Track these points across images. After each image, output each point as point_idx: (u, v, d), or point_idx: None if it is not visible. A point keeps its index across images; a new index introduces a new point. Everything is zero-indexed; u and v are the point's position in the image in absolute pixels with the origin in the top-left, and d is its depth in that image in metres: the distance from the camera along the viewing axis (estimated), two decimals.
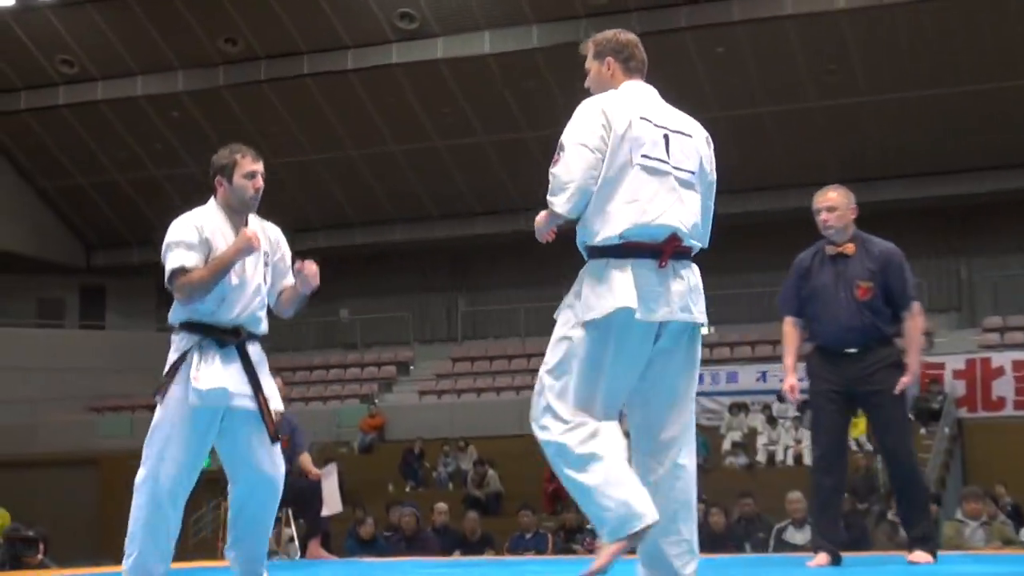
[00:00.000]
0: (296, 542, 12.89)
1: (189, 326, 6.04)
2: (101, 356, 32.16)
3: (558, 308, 5.22)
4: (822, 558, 7.40)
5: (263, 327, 6.23)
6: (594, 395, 5.03)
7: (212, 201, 6.24)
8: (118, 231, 33.73)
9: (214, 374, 5.95)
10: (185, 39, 28.31)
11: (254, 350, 6.14)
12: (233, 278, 6.03)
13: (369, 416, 27.92)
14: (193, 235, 6.01)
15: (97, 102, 30.08)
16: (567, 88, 27.07)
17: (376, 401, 29.04)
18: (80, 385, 31.15)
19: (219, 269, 5.95)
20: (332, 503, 11.69)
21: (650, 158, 5.10)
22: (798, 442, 23.10)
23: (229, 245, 6.00)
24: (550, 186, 5.12)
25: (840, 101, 26.91)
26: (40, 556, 13.75)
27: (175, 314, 6.10)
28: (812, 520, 7.88)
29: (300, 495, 11.31)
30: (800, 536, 14.35)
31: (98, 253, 34.68)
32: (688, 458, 5.17)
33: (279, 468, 6.34)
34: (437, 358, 31.83)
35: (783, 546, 14.27)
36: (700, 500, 15.98)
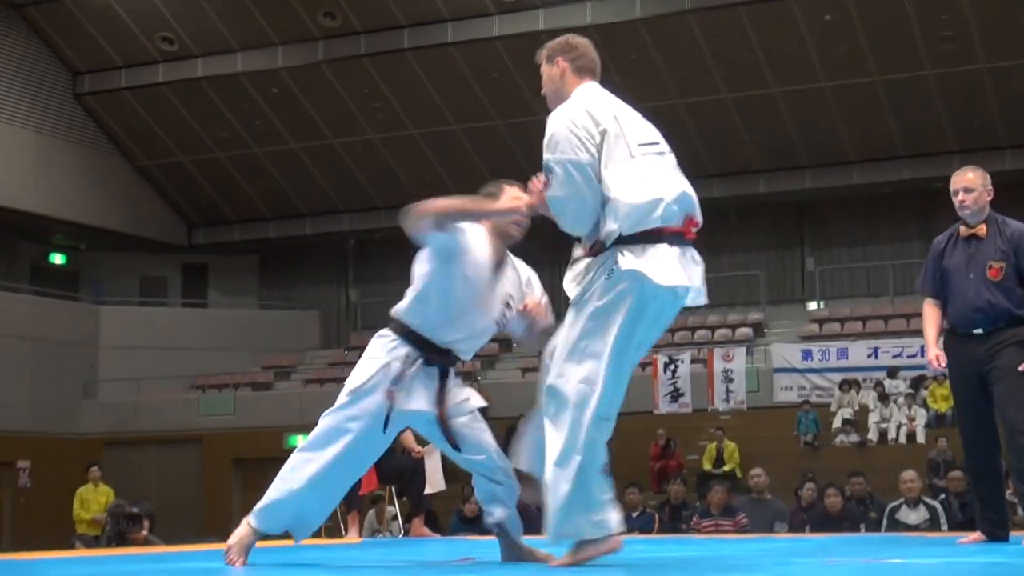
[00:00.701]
0: (399, 520, 12.98)
1: (406, 333, 5.93)
2: (203, 334, 32.57)
3: None
4: (974, 535, 7.59)
5: (471, 356, 6.17)
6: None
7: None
8: (219, 209, 34.10)
9: (413, 396, 5.87)
10: (284, 14, 28.47)
11: (453, 372, 6.06)
12: (472, 304, 5.89)
13: None
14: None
15: (197, 79, 30.37)
16: (670, 59, 26.95)
17: (479, 378, 29.10)
18: (183, 363, 31.56)
19: (470, 211, 5.81)
20: (435, 481, 11.73)
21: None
22: (911, 420, 22.83)
23: (495, 205, 5.87)
24: (553, 210, 5.39)
25: (957, 69, 26.43)
26: (145, 533, 13.96)
27: (403, 313, 5.99)
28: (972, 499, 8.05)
29: (403, 473, 11.36)
30: (914, 516, 14.18)
31: (199, 231, 35.08)
32: None
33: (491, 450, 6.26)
34: None
35: (896, 525, 14.11)
36: (811, 479, 15.95)
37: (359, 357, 6.06)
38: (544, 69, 5.73)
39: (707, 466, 22.12)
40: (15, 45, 30.49)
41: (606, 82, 5.71)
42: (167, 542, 13.60)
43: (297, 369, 32.46)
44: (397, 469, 11.30)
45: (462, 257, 5.81)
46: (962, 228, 7.65)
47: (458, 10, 27.66)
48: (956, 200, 7.60)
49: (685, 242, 5.22)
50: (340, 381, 6.24)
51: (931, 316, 7.79)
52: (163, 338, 32.04)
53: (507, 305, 6.05)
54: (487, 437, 6.22)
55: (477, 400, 6.25)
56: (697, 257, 5.29)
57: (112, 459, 26.93)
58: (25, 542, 22.35)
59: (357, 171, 31.85)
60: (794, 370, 25.30)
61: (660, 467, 22.21)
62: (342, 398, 5.86)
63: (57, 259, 34.53)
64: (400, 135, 30.33)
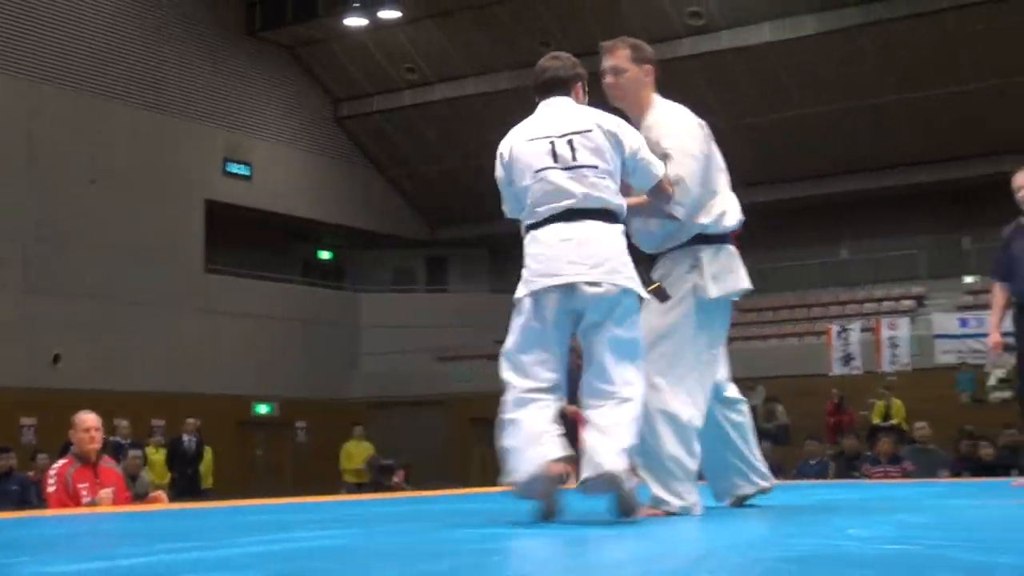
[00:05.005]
0: None
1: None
2: (445, 315, 33.07)
3: (661, 282, 5.06)
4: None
5: None
6: (701, 365, 5.18)
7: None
8: (457, 210, 34.50)
9: None
10: (507, 43, 28.64)
11: None
12: None
13: None
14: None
15: (436, 102, 30.85)
16: (839, 69, 26.27)
17: None
18: (429, 339, 32.07)
19: None
20: None
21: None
22: None
23: None
24: (677, 190, 4.91)
25: None
26: (398, 480, 14.25)
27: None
28: None
29: None
30: None
31: (440, 229, 35.58)
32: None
33: None
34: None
35: None
36: (969, 435, 15.49)
37: None
38: (630, 67, 5.12)
39: (876, 420, 21.61)
40: (287, 80, 31.37)
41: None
42: (418, 488, 13.85)
43: None
44: None
45: None
46: (1022, 219, 7.97)
47: (653, 33, 27.43)
48: (1017, 197, 7.80)
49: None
50: None
51: (998, 300, 7.97)
52: (412, 318, 32.68)
53: None
54: None
55: None
56: None
57: (372, 420, 27.48)
58: (303, 488, 23.00)
59: None
60: (953, 336, 24.54)
61: (835, 422, 21.77)
62: None
63: (324, 255, 35.49)
64: None
